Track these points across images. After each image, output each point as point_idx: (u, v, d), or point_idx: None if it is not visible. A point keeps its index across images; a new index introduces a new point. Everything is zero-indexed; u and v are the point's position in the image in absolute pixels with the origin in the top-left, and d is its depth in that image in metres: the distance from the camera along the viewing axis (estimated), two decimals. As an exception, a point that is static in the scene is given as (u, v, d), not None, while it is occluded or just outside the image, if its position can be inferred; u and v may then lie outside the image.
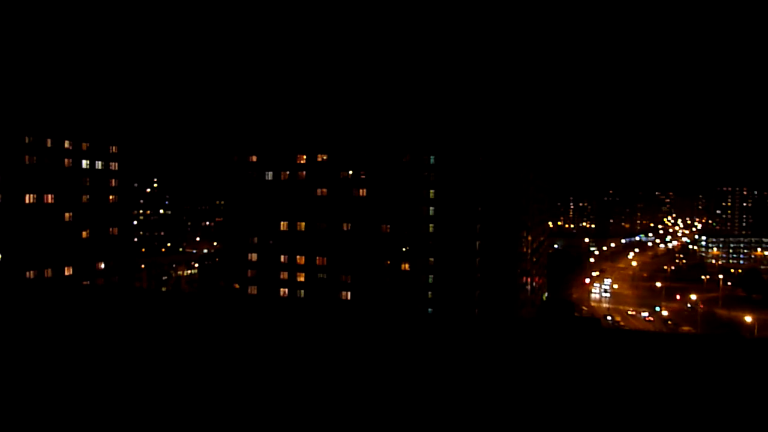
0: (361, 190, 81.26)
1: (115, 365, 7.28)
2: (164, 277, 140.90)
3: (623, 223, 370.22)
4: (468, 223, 78.58)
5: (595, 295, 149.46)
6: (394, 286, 78.86)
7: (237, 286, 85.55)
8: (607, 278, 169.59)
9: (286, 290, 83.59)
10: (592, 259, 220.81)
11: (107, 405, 5.81)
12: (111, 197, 78.76)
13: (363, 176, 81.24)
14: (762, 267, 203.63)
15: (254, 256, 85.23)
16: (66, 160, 72.27)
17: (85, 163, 74.77)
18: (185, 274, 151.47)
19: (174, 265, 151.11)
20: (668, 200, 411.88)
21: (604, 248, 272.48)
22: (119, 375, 6.83)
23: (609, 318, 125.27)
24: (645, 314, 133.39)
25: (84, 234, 74.66)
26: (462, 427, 4.41)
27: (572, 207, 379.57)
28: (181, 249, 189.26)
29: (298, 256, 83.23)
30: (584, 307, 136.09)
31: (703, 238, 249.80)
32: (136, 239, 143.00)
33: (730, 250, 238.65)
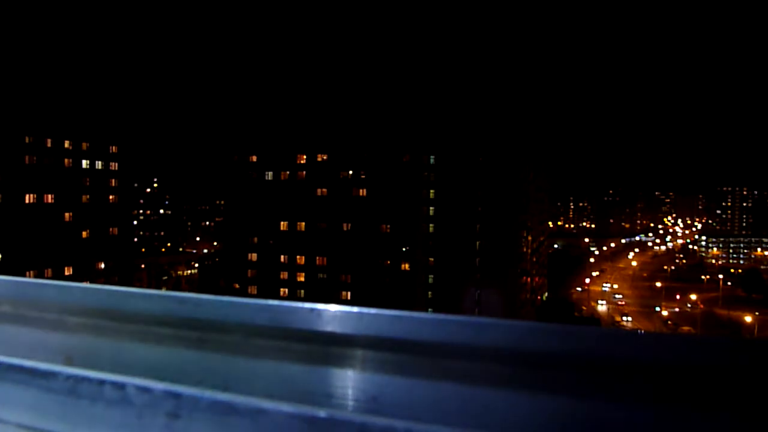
0: (361, 190, 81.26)
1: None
2: (164, 277, 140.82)
3: (623, 223, 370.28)
4: (468, 223, 78.59)
5: (602, 308, 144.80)
6: (394, 286, 78.83)
7: (237, 286, 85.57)
8: (606, 283, 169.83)
9: (286, 290, 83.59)
10: (592, 259, 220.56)
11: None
12: (111, 197, 78.74)
13: (363, 176, 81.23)
14: (762, 267, 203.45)
15: (254, 256, 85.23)
16: (66, 160, 72.26)
17: (85, 163, 74.75)
18: (185, 274, 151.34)
19: (174, 265, 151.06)
20: (668, 200, 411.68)
21: (604, 248, 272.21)
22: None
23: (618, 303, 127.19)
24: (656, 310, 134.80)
25: (84, 234, 74.65)
26: (460, 428, 4.41)
27: (572, 207, 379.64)
28: (181, 249, 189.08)
29: (298, 256, 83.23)
30: (584, 307, 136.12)
31: (703, 238, 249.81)
32: (136, 239, 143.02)
33: (730, 250, 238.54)
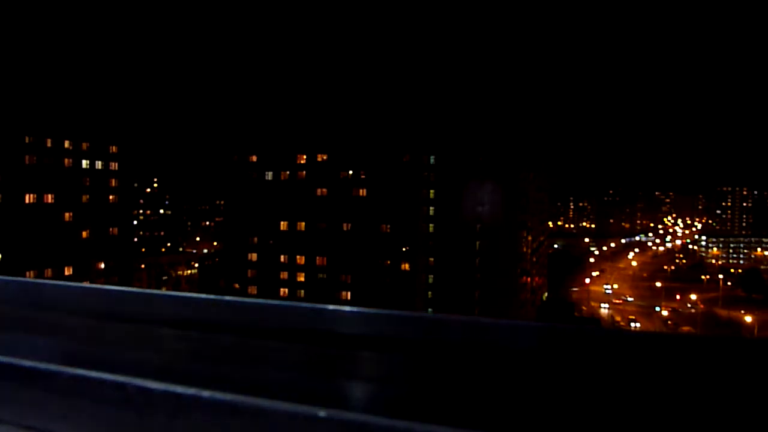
0: (361, 190, 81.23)
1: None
2: (164, 277, 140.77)
3: (623, 223, 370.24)
4: (468, 223, 78.54)
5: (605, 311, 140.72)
6: (394, 286, 78.81)
7: (237, 286, 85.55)
8: (607, 284, 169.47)
9: (286, 290, 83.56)
10: (592, 259, 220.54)
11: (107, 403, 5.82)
12: (111, 197, 78.73)
13: (363, 176, 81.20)
14: (762, 267, 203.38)
15: (254, 256, 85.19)
16: (66, 160, 72.24)
17: (85, 163, 74.74)
18: (185, 274, 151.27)
19: (174, 265, 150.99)
20: (668, 200, 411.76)
21: (604, 248, 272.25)
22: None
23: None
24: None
25: (84, 234, 74.64)
26: (462, 427, 4.41)
27: (572, 207, 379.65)
28: (181, 249, 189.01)
29: (298, 256, 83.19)
30: (584, 307, 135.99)
31: (703, 238, 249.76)
32: (136, 239, 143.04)
33: (730, 250, 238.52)
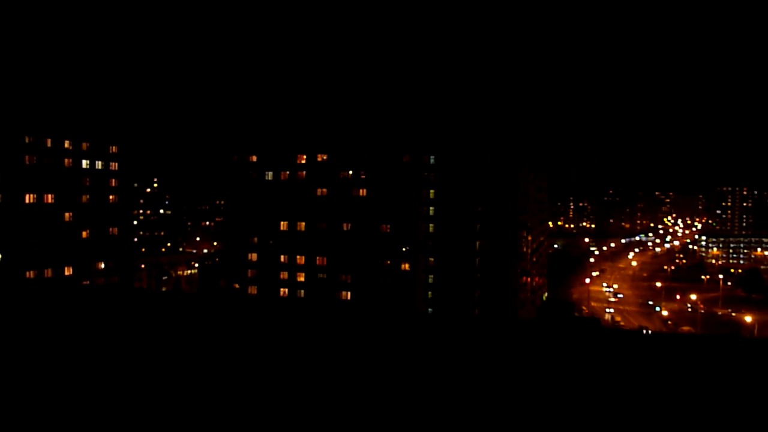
0: (361, 190, 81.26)
1: (115, 365, 7.27)
2: (164, 277, 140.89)
3: (623, 223, 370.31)
4: (468, 223, 78.56)
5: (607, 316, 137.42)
6: (394, 286, 78.81)
7: (237, 286, 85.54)
8: (609, 286, 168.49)
9: (286, 290, 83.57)
10: (592, 259, 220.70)
11: (107, 405, 5.81)
12: (111, 197, 78.76)
13: (363, 176, 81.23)
14: (762, 267, 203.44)
15: (254, 256, 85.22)
16: (66, 160, 72.28)
17: (85, 163, 74.78)
18: (185, 274, 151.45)
19: (174, 265, 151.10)
20: (668, 200, 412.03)
21: (604, 248, 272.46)
22: (119, 375, 6.83)
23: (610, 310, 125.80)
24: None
25: (84, 234, 74.65)
26: (461, 428, 4.41)
27: (572, 207, 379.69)
28: (181, 249, 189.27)
29: (298, 256, 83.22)
30: (584, 307, 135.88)
31: (703, 238, 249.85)
32: (136, 239, 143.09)
33: (730, 250, 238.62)
